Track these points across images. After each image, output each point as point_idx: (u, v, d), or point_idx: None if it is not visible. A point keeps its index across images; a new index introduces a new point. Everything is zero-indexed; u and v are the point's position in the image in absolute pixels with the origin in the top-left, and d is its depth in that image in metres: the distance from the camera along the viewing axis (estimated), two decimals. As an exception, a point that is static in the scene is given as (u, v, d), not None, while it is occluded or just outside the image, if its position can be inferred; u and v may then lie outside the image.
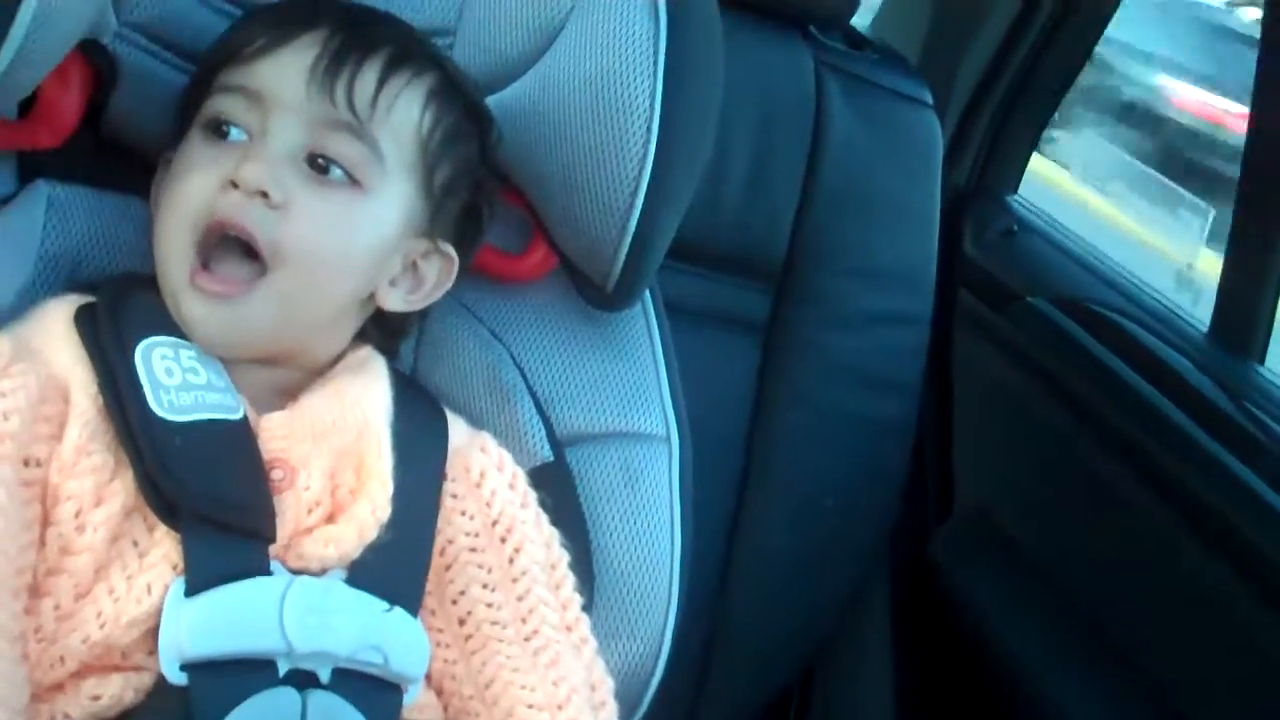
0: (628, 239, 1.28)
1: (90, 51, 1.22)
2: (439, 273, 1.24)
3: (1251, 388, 1.75)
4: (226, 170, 1.13)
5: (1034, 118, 2.32)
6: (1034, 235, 2.23)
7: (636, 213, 1.27)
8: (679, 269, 1.71)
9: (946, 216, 2.06)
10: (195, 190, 1.14)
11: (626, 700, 1.26)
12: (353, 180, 1.16)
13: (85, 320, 1.14)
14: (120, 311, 1.14)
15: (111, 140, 1.27)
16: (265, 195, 1.12)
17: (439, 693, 1.20)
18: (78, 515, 1.06)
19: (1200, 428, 1.70)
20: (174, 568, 1.07)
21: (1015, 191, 2.34)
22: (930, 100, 2.05)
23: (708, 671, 1.89)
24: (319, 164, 1.15)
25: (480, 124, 1.26)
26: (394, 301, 1.23)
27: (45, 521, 1.06)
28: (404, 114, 1.19)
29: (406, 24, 1.25)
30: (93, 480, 1.07)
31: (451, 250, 1.24)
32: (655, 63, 1.25)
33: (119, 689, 1.06)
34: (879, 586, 2.07)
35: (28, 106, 1.20)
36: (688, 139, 1.30)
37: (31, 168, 1.25)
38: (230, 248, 1.14)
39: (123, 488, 1.08)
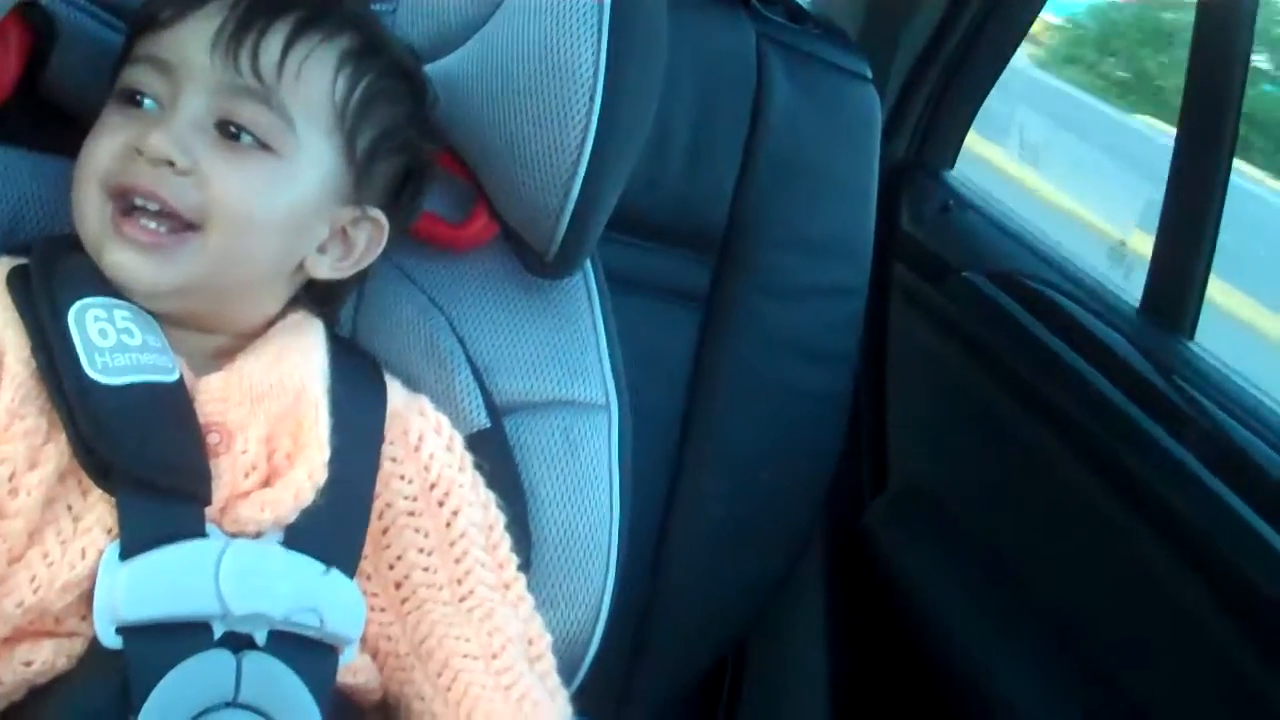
0: (569, 207, 1.28)
1: (27, 12, 1.21)
2: (368, 239, 1.24)
3: (1182, 362, 1.77)
4: (133, 137, 1.13)
5: (972, 94, 2.33)
6: (969, 210, 2.25)
7: (578, 181, 1.27)
8: (620, 240, 1.71)
9: (884, 191, 2.07)
10: (103, 154, 1.14)
11: (564, 667, 1.27)
12: (264, 146, 1.16)
13: (17, 282, 1.13)
14: (53, 272, 1.14)
15: (50, 102, 1.25)
16: (171, 164, 1.12)
17: (374, 654, 1.20)
18: (11, 479, 1.06)
19: (1131, 402, 1.72)
20: (108, 532, 1.07)
21: (952, 167, 2.36)
22: (869, 75, 2.06)
23: (643, 641, 1.90)
24: (230, 131, 1.15)
25: (411, 85, 1.25)
26: (322, 269, 1.23)
27: None
28: (315, 78, 1.18)
29: None
30: (26, 444, 1.07)
31: (381, 216, 1.24)
32: (599, 30, 1.26)
33: (51, 654, 1.06)
34: (814, 558, 2.08)
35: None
36: (631, 108, 1.30)
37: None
38: (144, 211, 1.13)
39: (56, 451, 1.07)
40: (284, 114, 1.16)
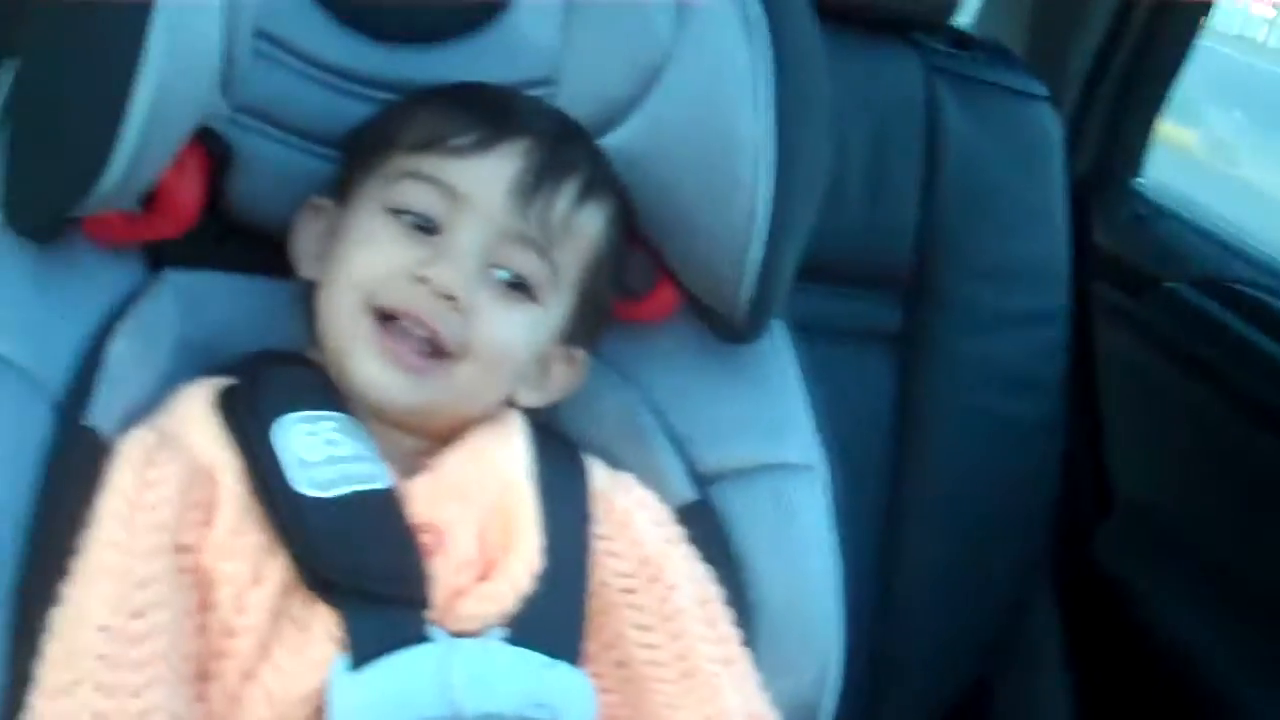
0: (751, 273, 1.27)
1: (204, 138, 1.23)
2: (566, 374, 1.26)
3: None
4: (412, 261, 1.15)
5: (1151, 99, 2.27)
6: (1164, 218, 2.18)
7: (758, 247, 1.26)
8: (806, 289, 1.68)
9: (1073, 208, 2.02)
10: (375, 270, 1.16)
11: (799, 732, 1.25)
12: (529, 294, 1.18)
13: (224, 403, 1.15)
14: (258, 391, 1.16)
15: (233, 223, 1.28)
16: (452, 299, 1.14)
17: None
18: (237, 597, 1.07)
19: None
20: (335, 640, 1.07)
21: (1138, 175, 2.29)
22: (1045, 93, 2.02)
23: (878, 695, 1.87)
24: (501, 275, 1.17)
25: (634, 232, 1.29)
26: (525, 398, 1.24)
27: (203, 606, 1.07)
28: (586, 238, 1.22)
29: (591, 136, 1.26)
30: (249, 561, 1.08)
31: (582, 355, 1.26)
32: (762, 93, 1.25)
33: None
34: (1044, 590, 2.03)
35: (148, 198, 1.21)
36: (802, 165, 1.28)
37: (158, 258, 1.27)
38: (409, 326, 1.15)
39: (279, 566, 1.09)
40: (554, 268, 1.19)
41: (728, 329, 1.32)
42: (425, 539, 1.13)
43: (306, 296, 1.24)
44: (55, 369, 1.15)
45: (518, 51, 1.31)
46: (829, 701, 1.31)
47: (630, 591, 1.20)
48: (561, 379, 1.26)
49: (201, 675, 1.07)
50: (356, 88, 1.28)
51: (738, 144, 1.24)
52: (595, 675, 1.18)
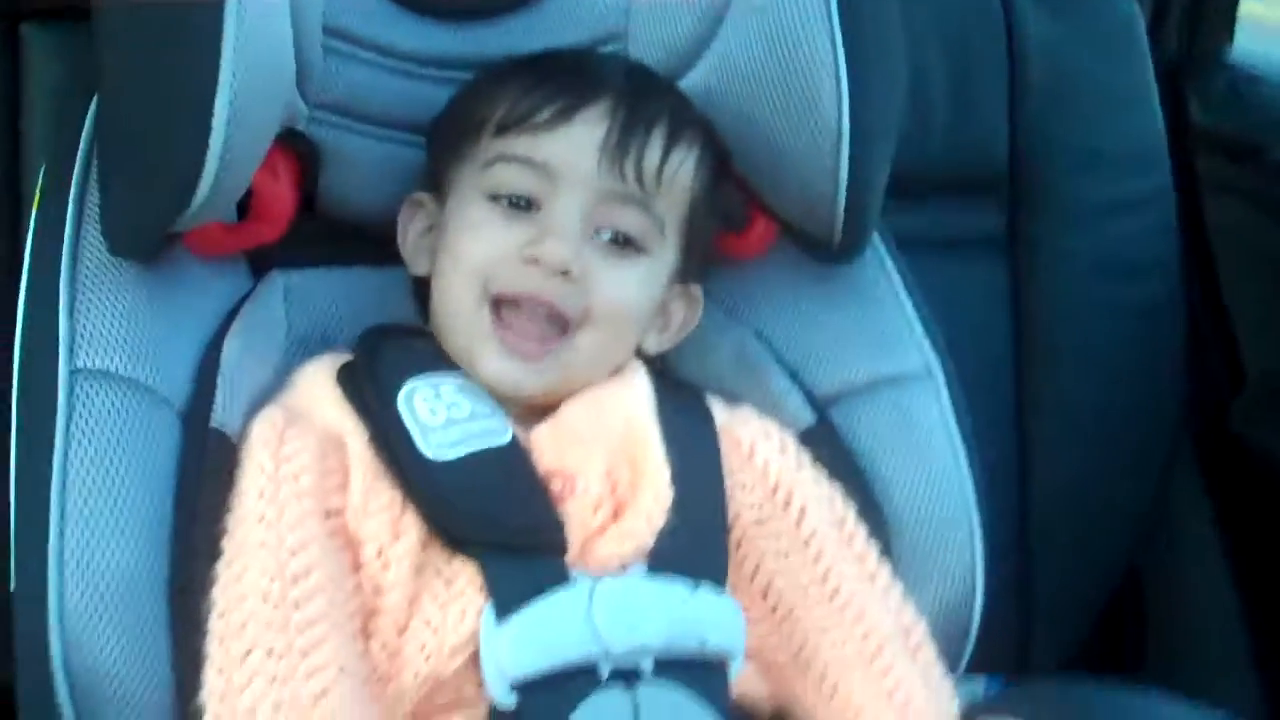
0: (842, 189, 1.27)
1: (290, 140, 1.26)
2: (685, 312, 1.28)
3: None
4: (519, 242, 1.17)
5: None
6: (1262, 84, 2.14)
7: (845, 160, 1.26)
8: (904, 204, 1.68)
9: (1167, 90, 1.99)
10: (485, 256, 1.18)
11: (950, 644, 1.25)
12: (639, 249, 1.20)
13: (346, 378, 1.18)
14: (377, 363, 1.19)
15: (329, 219, 1.31)
16: (566, 272, 1.16)
17: (758, 667, 1.20)
18: (380, 554, 1.10)
19: None
20: (480, 590, 1.10)
21: (1230, 44, 2.24)
22: (1121, -20, 1.99)
23: (1030, 595, 1.86)
24: (610, 235, 1.19)
25: (726, 167, 1.29)
26: (651, 345, 1.27)
27: (354, 566, 1.11)
28: (681, 182, 1.23)
29: (668, 82, 1.28)
30: (386, 517, 1.11)
31: (698, 291, 1.28)
32: (830, 17, 1.25)
33: None
34: (1188, 474, 2.01)
35: (244, 206, 1.24)
36: (879, 74, 1.28)
37: (262, 260, 1.30)
38: (528, 308, 1.17)
39: (415, 520, 1.12)
40: (657, 218, 1.21)
41: (827, 250, 1.33)
42: (554, 485, 1.15)
43: (417, 288, 1.27)
44: (178, 381, 1.19)
45: (583, 12, 1.33)
46: (977, 602, 1.32)
47: (764, 521, 1.21)
48: (682, 318, 1.28)
49: (364, 632, 1.10)
50: (430, 70, 1.31)
51: (810, 65, 1.25)
52: (743, 608, 1.19)
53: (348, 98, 1.28)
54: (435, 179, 1.26)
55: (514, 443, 1.16)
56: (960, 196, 1.88)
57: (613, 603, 1.10)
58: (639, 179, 1.19)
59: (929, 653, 1.21)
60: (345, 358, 1.21)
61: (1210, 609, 1.98)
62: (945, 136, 1.86)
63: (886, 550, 1.25)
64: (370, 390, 1.16)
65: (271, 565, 1.08)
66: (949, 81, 1.87)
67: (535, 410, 1.20)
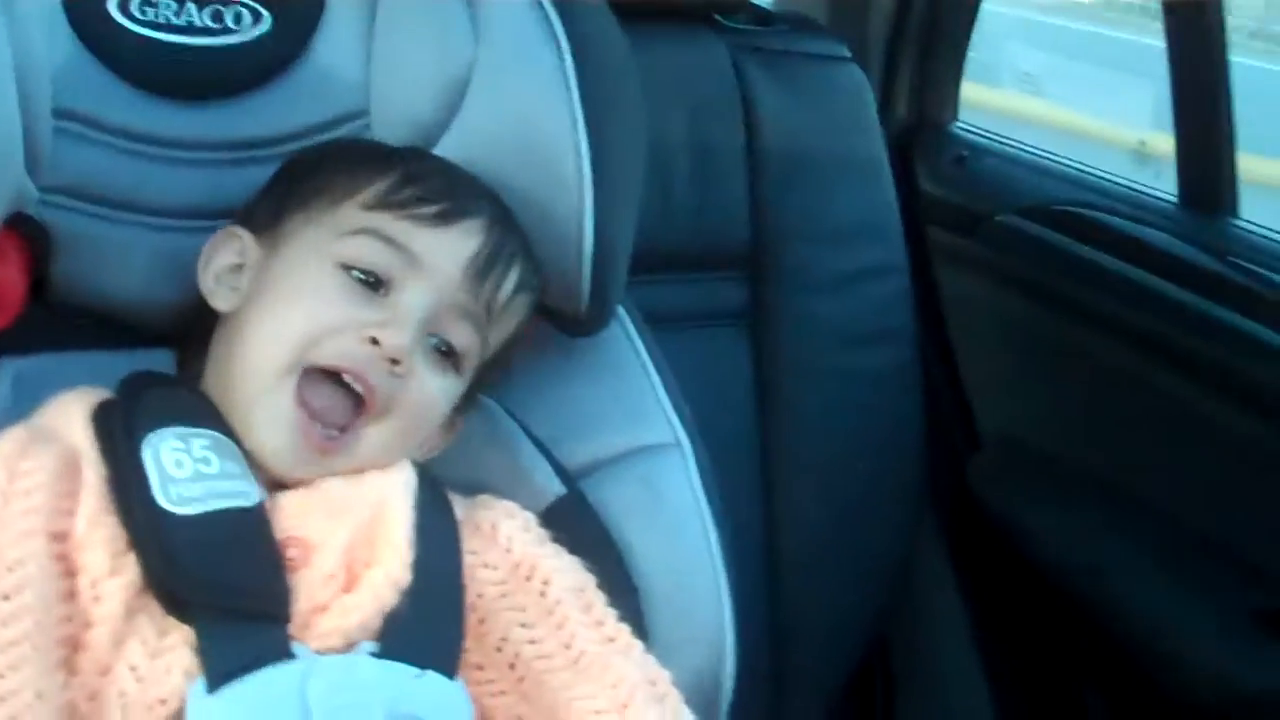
0: (587, 261, 1.28)
1: (19, 224, 1.22)
2: (445, 438, 1.27)
3: (1235, 241, 1.75)
4: (364, 320, 1.15)
5: (955, 43, 2.32)
6: (986, 155, 2.24)
7: (589, 235, 1.28)
8: (650, 280, 1.71)
9: (897, 160, 2.07)
10: (319, 323, 1.15)
11: (704, 704, 1.26)
12: (455, 364, 1.20)
13: (100, 414, 1.14)
14: (134, 405, 1.15)
15: (62, 304, 1.27)
16: (395, 363, 1.15)
17: None
18: (94, 585, 1.06)
19: (1198, 294, 1.71)
20: (193, 648, 1.06)
21: (956, 119, 2.34)
22: (848, 54, 2.06)
23: (782, 659, 1.89)
24: (434, 342, 1.18)
25: None
26: (414, 455, 1.24)
27: (68, 596, 1.06)
28: (513, 319, 1.24)
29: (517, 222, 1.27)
30: (106, 551, 1.07)
31: (461, 422, 1.27)
32: (569, 88, 1.27)
33: None
34: (930, 540, 2.07)
35: (-28, 293, 1.20)
36: (620, 150, 1.31)
37: (-8, 348, 1.25)
38: (330, 379, 1.15)
39: (136, 562, 1.08)
40: (485, 346, 1.22)
41: (574, 323, 1.34)
42: (291, 554, 1.12)
43: (193, 326, 1.24)
44: None
45: (325, 91, 1.32)
46: (728, 676, 1.33)
47: (507, 596, 1.20)
48: (441, 441, 1.26)
49: (67, 667, 1.05)
50: (168, 151, 1.28)
51: (552, 139, 1.26)
52: (489, 681, 1.19)
53: (80, 180, 1.25)
54: (264, 224, 1.22)
55: (258, 506, 1.12)
56: (705, 272, 1.92)
57: (329, 681, 1.07)
58: (488, 304, 1.20)
59: (675, 699, 1.21)
60: (106, 395, 1.17)
61: (954, 670, 2.04)
62: (688, 212, 1.91)
63: (639, 621, 1.25)
64: (120, 430, 1.12)
65: None
66: (690, 160, 1.92)
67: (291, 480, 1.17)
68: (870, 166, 2.02)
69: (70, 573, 1.07)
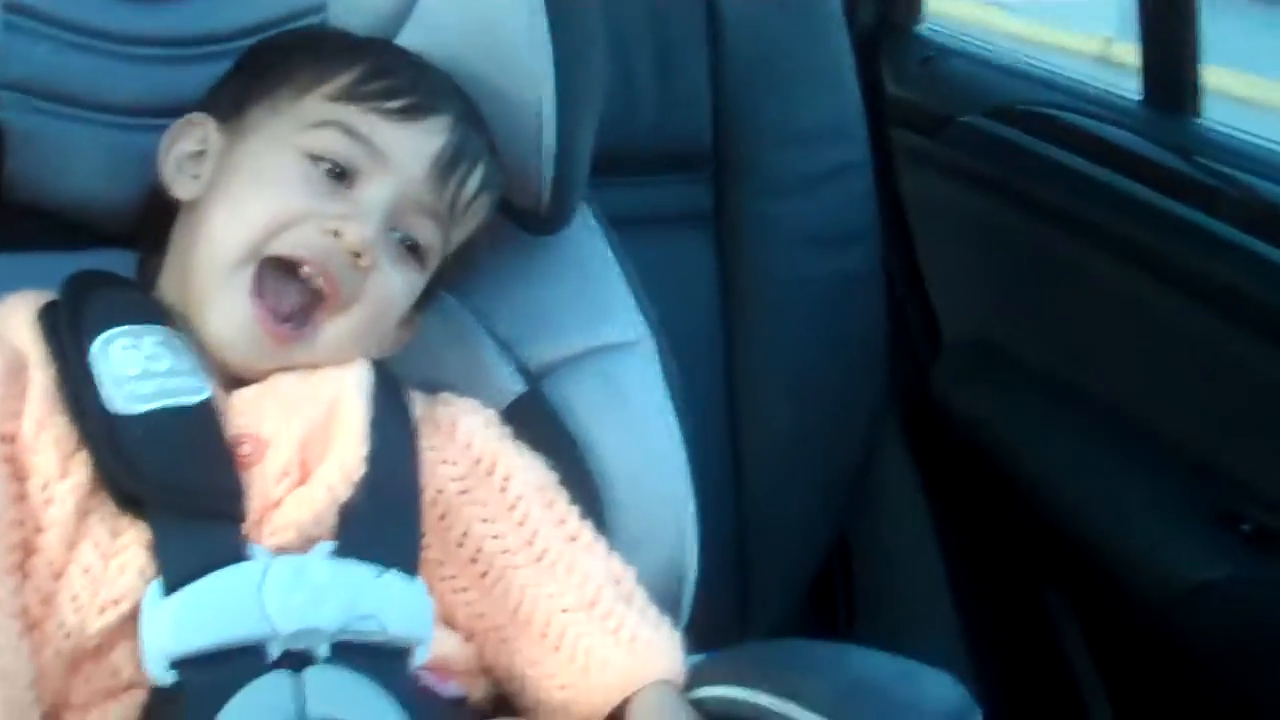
0: (548, 157, 1.28)
1: (-29, 122, 1.20)
2: (402, 335, 1.25)
3: (1196, 139, 1.75)
4: (326, 212, 1.14)
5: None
6: (952, 56, 2.22)
7: (550, 128, 1.27)
8: (614, 182, 1.70)
9: (862, 61, 2.06)
10: (281, 212, 1.14)
11: (667, 604, 1.26)
12: (418, 260, 1.19)
13: (46, 315, 1.13)
14: (80, 305, 1.14)
15: (14, 203, 1.25)
16: (358, 256, 1.13)
17: (470, 636, 1.20)
18: (44, 488, 1.05)
19: (1160, 191, 1.71)
20: (146, 547, 1.06)
21: (921, 20, 2.33)
22: (814, -48, 2.04)
23: (746, 564, 1.91)
24: (398, 236, 1.17)
25: None
26: (373, 350, 1.22)
27: (19, 498, 1.05)
28: (476, 219, 1.24)
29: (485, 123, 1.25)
30: (56, 453, 1.06)
31: (419, 320, 1.26)
32: None
33: (119, 714, 1.05)
34: (893, 438, 2.08)
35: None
36: (581, 44, 1.30)
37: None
38: (288, 271, 1.14)
39: (87, 462, 1.07)
40: (448, 243, 1.21)
41: (535, 220, 1.33)
42: (244, 450, 1.11)
43: (151, 213, 1.22)
44: None
45: None
46: (691, 570, 1.34)
47: (467, 492, 1.20)
48: (399, 339, 1.25)
49: (20, 570, 1.04)
50: (122, 48, 1.27)
51: (514, 32, 1.26)
52: (451, 577, 1.19)
53: (31, 76, 1.23)
54: (228, 112, 1.21)
55: (208, 402, 1.11)
56: (668, 173, 1.92)
57: (286, 581, 1.06)
58: (452, 202, 1.20)
59: (641, 598, 1.22)
60: (50, 297, 1.15)
61: (915, 570, 2.06)
62: (651, 113, 1.90)
63: (600, 515, 1.26)
64: (67, 331, 1.11)
65: None
66: (652, 57, 1.91)
67: (244, 376, 1.16)
68: (835, 68, 2.00)
69: (20, 476, 1.06)
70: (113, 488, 1.07)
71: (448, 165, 1.19)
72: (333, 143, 1.16)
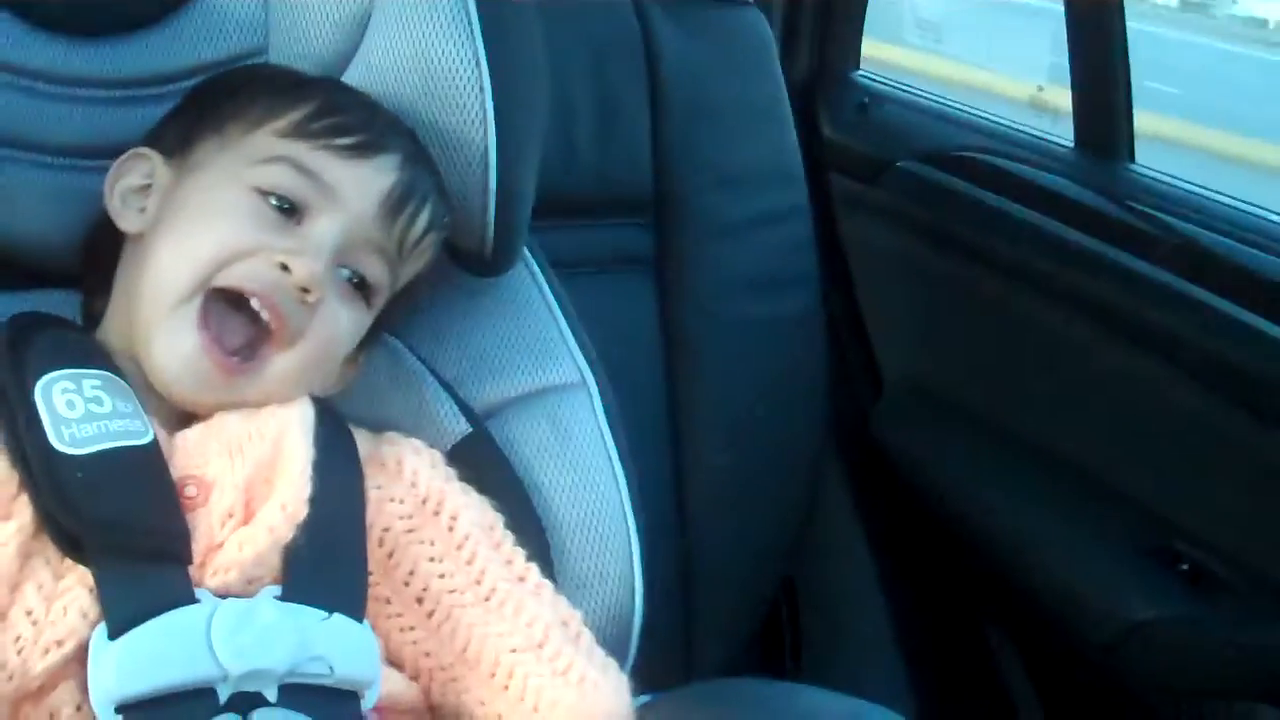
0: (491, 200, 1.28)
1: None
2: (347, 374, 1.25)
3: (1128, 185, 1.77)
4: (277, 246, 1.13)
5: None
6: (886, 103, 2.25)
7: (493, 170, 1.27)
8: (556, 226, 1.71)
9: (799, 107, 2.08)
10: (230, 244, 1.13)
11: (615, 647, 1.25)
12: (365, 298, 1.20)
13: None
14: (22, 347, 1.13)
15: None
16: (306, 291, 1.13)
17: (417, 675, 1.19)
18: None
19: (1093, 236, 1.73)
20: (89, 589, 1.05)
21: (857, 67, 2.35)
22: (750, 0, 2.07)
23: (691, 606, 1.90)
24: (346, 274, 1.18)
25: None
26: (316, 388, 1.22)
27: None
28: (421, 259, 1.25)
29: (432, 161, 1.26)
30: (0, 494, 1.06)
31: (363, 358, 1.26)
32: (470, 24, 1.26)
33: None
34: (835, 478, 2.09)
35: None
36: (522, 88, 1.31)
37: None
38: (235, 304, 1.13)
39: (30, 505, 1.06)
40: (395, 282, 1.22)
41: (479, 262, 1.34)
42: (189, 492, 1.11)
43: (92, 252, 1.22)
44: None
45: (221, 28, 1.30)
46: (636, 613, 1.33)
47: (414, 530, 1.19)
48: (343, 377, 1.25)
49: None
50: (61, 89, 1.26)
51: (456, 76, 1.26)
52: (398, 615, 1.18)
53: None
54: (176, 147, 1.21)
55: (153, 444, 1.11)
56: (609, 216, 1.93)
57: (233, 623, 1.05)
58: (400, 240, 1.20)
59: (588, 639, 1.21)
60: None
61: (860, 611, 2.07)
62: (592, 157, 1.91)
63: (546, 556, 1.26)
64: (9, 372, 1.10)
65: None
66: (594, 106, 1.93)
67: (184, 417, 1.16)
68: (773, 113, 2.02)
69: None
70: (54, 530, 1.06)
71: (397, 203, 1.19)
72: (282, 178, 1.16)
